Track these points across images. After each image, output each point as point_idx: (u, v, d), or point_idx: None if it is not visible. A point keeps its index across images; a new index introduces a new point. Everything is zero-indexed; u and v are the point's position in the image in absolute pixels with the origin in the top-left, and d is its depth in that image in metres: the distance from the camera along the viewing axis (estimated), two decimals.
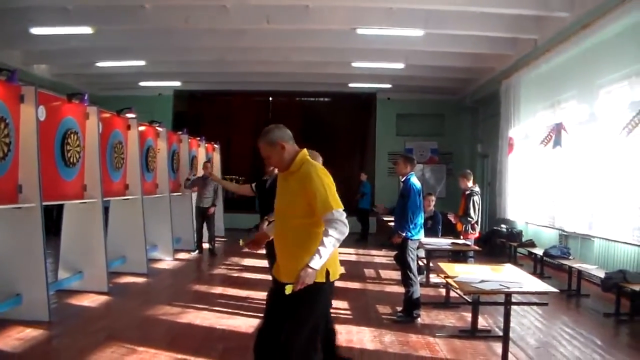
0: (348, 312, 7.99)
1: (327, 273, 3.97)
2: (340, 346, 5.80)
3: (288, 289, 3.82)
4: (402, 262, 7.80)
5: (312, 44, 14.00)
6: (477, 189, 10.13)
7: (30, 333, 6.43)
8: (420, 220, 7.76)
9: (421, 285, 9.42)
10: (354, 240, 15.69)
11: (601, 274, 8.59)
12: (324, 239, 3.81)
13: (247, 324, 7.06)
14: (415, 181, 7.70)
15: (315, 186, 3.88)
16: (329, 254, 3.83)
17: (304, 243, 3.89)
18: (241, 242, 4.71)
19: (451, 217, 10.40)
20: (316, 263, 3.77)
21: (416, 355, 6.16)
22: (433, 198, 10.94)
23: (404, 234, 7.59)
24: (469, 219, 9.85)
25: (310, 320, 4.01)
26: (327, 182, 3.96)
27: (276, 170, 7.41)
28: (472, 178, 10.21)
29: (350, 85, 19.20)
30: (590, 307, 8.74)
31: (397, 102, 20.39)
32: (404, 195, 7.66)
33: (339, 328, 7.00)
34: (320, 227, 3.91)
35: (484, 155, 18.18)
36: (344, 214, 3.92)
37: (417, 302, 7.59)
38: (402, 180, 7.80)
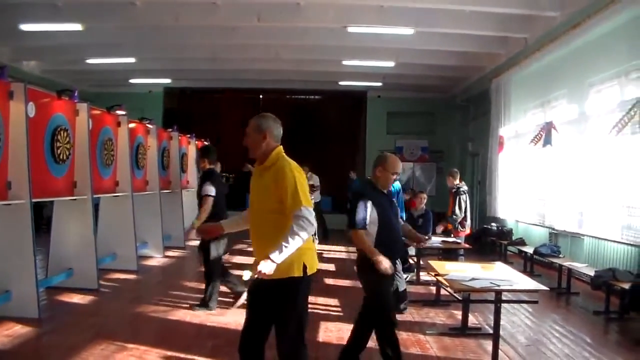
0: (339, 309, 7.99)
1: (305, 267, 4.01)
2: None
3: (245, 275, 3.87)
4: None
5: (303, 41, 13.99)
6: (464, 186, 10.26)
7: (20, 330, 6.39)
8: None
9: (412, 283, 9.50)
10: (345, 237, 15.67)
11: (591, 272, 8.62)
12: (288, 235, 3.83)
13: (237, 321, 6.99)
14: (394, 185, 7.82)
15: (288, 181, 3.92)
16: (292, 250, 3.84)
17: (278, 238, 3.87)
18: (194, 224, 4.77)
19: (440, 228, 10.48)
20: (277, 257, 3.78)
21: (407, 352, 6.15)
22: (424, 196, 10.95)
23: None
24: (454, 216, 9.99)
25: (294, 315, 4.05)
26: (299, 179, 3.98)
27: (208, 166, 7.60)
28: (458, 176, 10.35)
29: (341, 83, 19.21)
30: (580, 305, 8.79)
31: (388, 100, 20.41)
32: None
33: (329, 326, 7.03)
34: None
35: (474, 154, 18.21)
36: (313, 213, 3.95)
37: (402, 296, 7.71)
38: None
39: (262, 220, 4.08)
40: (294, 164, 4.09)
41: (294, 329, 4.05)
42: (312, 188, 13.51)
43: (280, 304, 4.02)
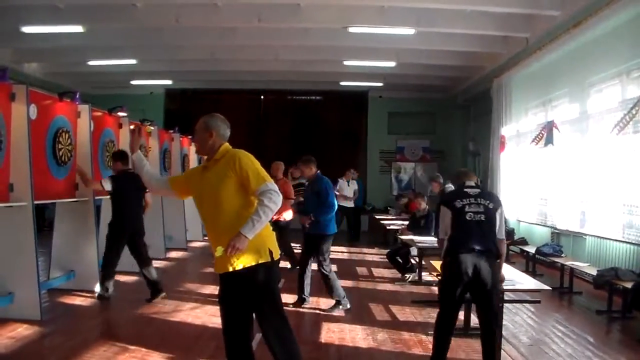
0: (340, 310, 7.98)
1: (271, 252, 4.11)
2: None
3: (219, 251, 3.90)
4: (317, 260, 7.86)
5: (304, 42, 13.98)
6: (450, 188, 10.37)
7: (22, 332, 6.39)
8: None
9: (414, 283, 9.51)
10: (345, 238, 15.68)
11: (593, 271, 8.60)
12: (259, 208, 3.94)
13: None
14: (326, 179, 8.01)
15: (246, 164, 4.08)
16: (263, 223, 3.96)
17: (240, 221, 3.95)
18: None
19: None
20: (249, 231, 3.88)
21: (409, 353, 6.17)
22: (420, 201, 10.98)
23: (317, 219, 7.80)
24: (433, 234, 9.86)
25: (272, 300, 4.16)
26: (254, 162, 4.15)
27: (121, 167, 8.04)
28: (441, 179, 10.50)
29: (342, 83, 19.19)
30: (583, 304, 8.76)
31: (389, 101, 20.40)
32: (320, 194, 7.81)
33: (332, 326, 7.02)
34: (252, 208, 4.02)
35: (475, 154, 18.18)
36: (276, 186, 4.08)
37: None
38: (313, 180, 8.05)
39: (220, 213, 4.11)
40: (245, 151, 4.23)
41: (274, 315, 4.14)
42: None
43: (255, 292, 4.09)
